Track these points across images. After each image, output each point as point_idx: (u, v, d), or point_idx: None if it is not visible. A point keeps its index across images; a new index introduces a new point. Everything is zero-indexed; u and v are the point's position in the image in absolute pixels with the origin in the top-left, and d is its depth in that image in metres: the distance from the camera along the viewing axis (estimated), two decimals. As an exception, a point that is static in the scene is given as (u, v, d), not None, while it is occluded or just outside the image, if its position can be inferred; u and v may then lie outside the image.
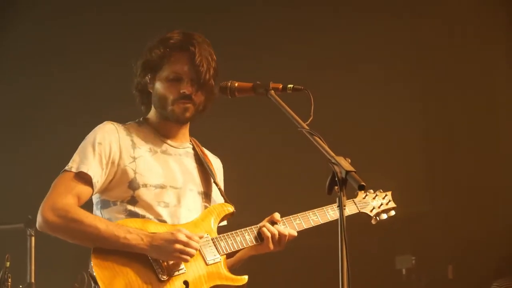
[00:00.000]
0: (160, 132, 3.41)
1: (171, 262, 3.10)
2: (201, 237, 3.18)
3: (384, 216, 3.76)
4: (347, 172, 2.58)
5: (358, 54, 6.65)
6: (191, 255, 3.10)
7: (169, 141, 3.41)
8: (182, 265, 3.11)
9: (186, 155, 3.44)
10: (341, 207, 2.59)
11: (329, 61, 6.57)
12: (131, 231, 3.08)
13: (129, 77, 3.52)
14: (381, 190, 3.80)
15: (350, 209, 3.60)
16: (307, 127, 2.87)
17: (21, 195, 6.09)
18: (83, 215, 3.11)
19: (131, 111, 3.59)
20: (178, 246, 3.07)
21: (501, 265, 5.25)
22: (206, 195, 3.43)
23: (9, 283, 5.00)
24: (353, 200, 3.63)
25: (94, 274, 3.02)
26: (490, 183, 6.57)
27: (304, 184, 5.93)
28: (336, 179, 2.59)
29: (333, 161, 2.64)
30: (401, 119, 6.79)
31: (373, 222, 3.73)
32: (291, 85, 3.14)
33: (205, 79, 3.33)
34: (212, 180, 3.47)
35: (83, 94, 6.46)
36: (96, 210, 3.29)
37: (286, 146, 6.24)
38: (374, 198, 3.74)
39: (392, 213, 3.79)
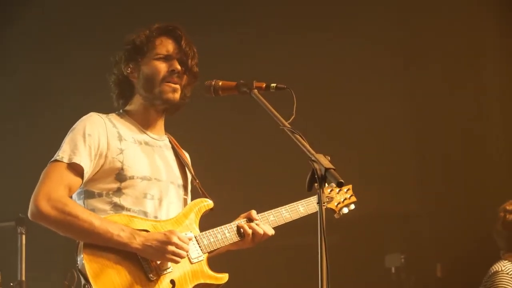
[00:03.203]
0: (141, 123, 3.38)
1: (160, 262, 3.13)
2: (190, 239, 3.21)
3: (345, 210, 3.73)
4: (326, 169, 2.62)
5: (349, 52, 6.67)
6: (182, 257, 3.13)
7: (149, 133, 3.40)
8: (170, 265, 3.15)
9: (166, 148, 3.45)
10: (320, 204, 2.62)
11: (318, 59, 6.60)
12: (124, 229, 3.08)
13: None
14: None
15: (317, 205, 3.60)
16: (288, 125, 2.89)
17: (12, 193, 6.10)
18: (79, 209, 3.10)
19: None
20: (170, 248, 3.09)
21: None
22: (185, 188, 3.46)
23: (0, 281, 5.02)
24: None
25: (85, 269, 3.01)
26: (479, 183, 6.60)
27: (284, 181, 5.94)
28: (316, 176, 2.62)
29: (313, 158, 2.68)
30: (391, 119, 6.81)
31: (336, 216, 3.71)
32: (274, 84, 3.16)
33: (191, 63, 3.36)
34: (188, 173, 3.50)
35: (80, 92, 6.48)
36: (79, 200, 3.24)
37: (267, 143, 6.24)
38: (338, 193, 3.73)
39: (352, 206, 3.76)
